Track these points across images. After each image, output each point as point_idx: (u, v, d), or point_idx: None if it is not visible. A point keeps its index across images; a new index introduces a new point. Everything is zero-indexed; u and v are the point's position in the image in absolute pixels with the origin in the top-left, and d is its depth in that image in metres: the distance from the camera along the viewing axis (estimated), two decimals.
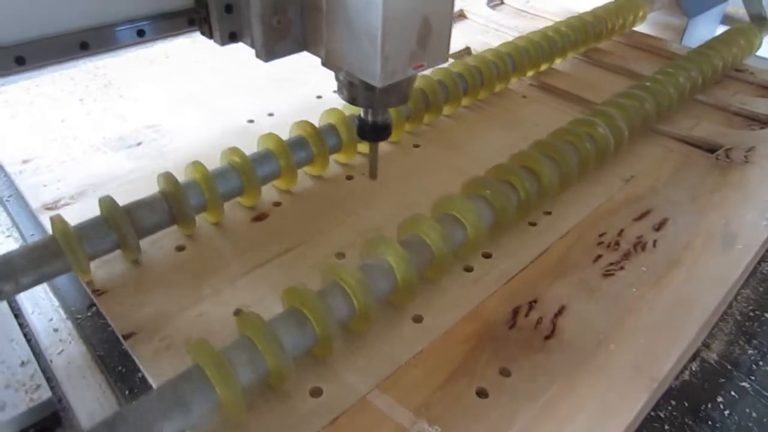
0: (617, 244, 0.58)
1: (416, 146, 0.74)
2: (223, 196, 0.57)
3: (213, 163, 0.66)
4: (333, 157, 0.67)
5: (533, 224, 0.61)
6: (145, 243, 0.55)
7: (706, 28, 1.28)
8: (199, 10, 0.46)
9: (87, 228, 0.50)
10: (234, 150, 0.59)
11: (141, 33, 0.45)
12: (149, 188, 0.62)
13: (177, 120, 0.75)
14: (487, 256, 0.57)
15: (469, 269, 0.55)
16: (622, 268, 0.55)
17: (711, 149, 0.74)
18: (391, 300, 0.50)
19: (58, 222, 0.49)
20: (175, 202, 0.54)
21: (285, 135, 0.72)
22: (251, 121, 0.76)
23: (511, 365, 0.45)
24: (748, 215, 0.62)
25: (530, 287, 0.53)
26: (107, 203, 0.51)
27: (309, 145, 0.63)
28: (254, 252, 0.56)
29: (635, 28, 1.08)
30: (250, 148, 0.69)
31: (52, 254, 0.47)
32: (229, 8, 0.45)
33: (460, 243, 0.53)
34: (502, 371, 0.45)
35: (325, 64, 0.45)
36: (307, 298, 0.43)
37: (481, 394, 0.43)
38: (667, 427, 0.44)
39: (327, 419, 0.41)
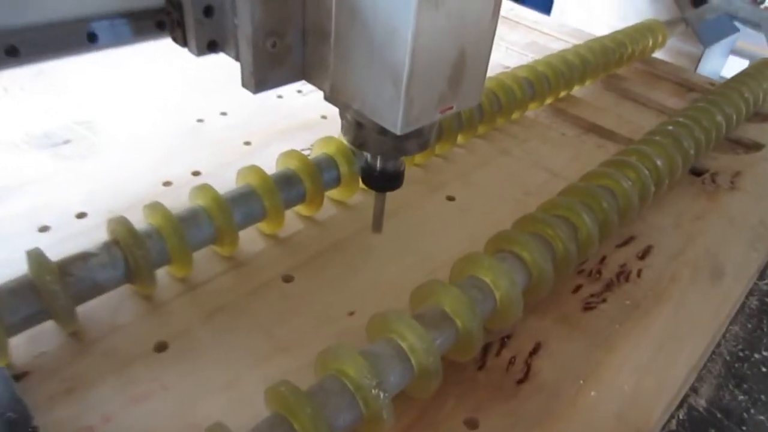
0: (599, 272, 0.53)
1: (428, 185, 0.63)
2: (193, 246, 0.46)
3: (158, 174, 0.58)
4: (328, 194, 0.56)
5: None
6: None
7: (720, 58, 1.31)
8: (171, 11, 0.37)
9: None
10: (205, 188, 0.48)
11: (92, 38, 0.35)
12: (74, 194, 0.55)
13: (113, 116, 0.67)
14: None
15: None
16: (604, 300, 0.50)
17: (696, 173, 0.72)
18: (407, 391, 0.40)
19: None
20: (131, 255, 0.43)
21: (239, 137, 0.67)
22: (201, 121, 0.69)
23: (479, 414, 0.40)
24: (737, 245, 0.59)
25: None
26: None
27: (301, 181, 0.53)
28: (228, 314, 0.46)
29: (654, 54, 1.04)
30: (198, 152, 0.63)
31: None
32: (208, 10, 0.36)
33: (488, 315, 0.44)
34: (468, 422, 0.40)
35: (328, 99, 0.37)
36: (299, 408, 0.33)
37: None
38: None
39: None
